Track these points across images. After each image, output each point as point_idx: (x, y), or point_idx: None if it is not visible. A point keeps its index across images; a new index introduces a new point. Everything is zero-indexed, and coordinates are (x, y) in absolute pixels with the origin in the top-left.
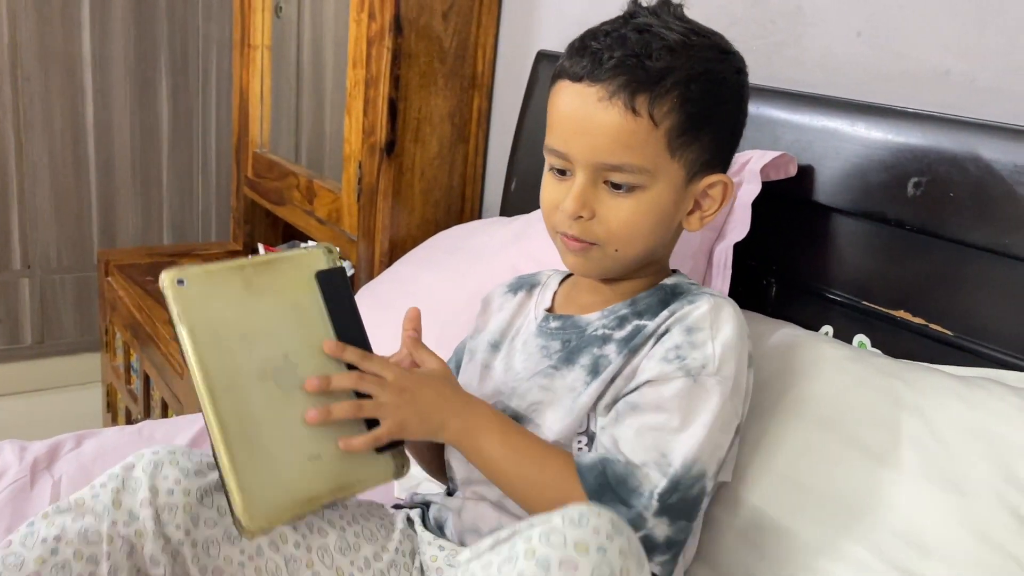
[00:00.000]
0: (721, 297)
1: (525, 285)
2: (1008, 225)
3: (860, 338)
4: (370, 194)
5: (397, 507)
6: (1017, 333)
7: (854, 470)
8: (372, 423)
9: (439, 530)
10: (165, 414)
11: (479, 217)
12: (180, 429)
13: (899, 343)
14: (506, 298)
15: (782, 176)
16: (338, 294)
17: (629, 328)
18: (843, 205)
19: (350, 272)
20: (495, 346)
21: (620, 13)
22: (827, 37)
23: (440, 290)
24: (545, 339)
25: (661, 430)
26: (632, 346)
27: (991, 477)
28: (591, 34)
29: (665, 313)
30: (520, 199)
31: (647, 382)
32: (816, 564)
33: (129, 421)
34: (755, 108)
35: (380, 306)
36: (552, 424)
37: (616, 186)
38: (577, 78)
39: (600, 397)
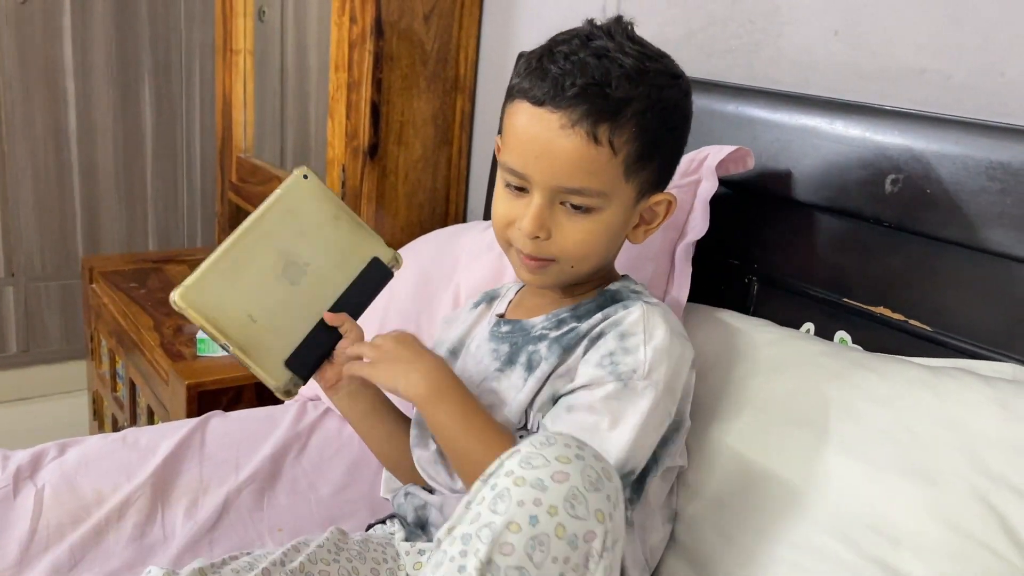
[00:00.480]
0: (655, 303)
1: (487, 298)
2: (983, 220)
3: (841, 334)
4: (354, 198)
5: (377, 522)
6: (993, 327)
7: (826, 463)
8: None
9: (422, 529)
10: (151, 421)
11: (464, 220)
12: (164, 436)
13: (879, 339)
14: (468, 311)
15: (740, 169)
16: (371, 282)
17: (564, 329)
18: (822, 203)
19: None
20: (453, 353)
21: (574, 29)
22: (805, 36)
23: (422, 296)
24: (496, 343)
25: (593, 430)
26: (564, 344)
27: (961, 466)
28: (549, 55)
29: (599, 316)
30: None
31: (583, 386)
32: (788, 555)
33: (115, 428)
34: (734, 107)
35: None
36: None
37: (575, 207)
38: (538, 102)
39: (536, 393)
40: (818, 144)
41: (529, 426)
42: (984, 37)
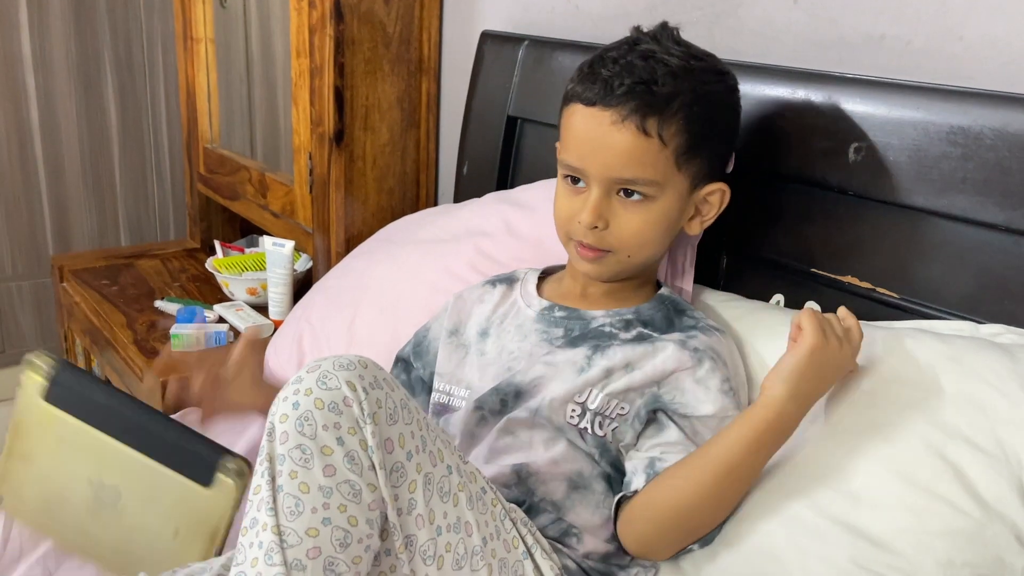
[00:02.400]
0: (717, 326)
1: (504, 280)
2: (945, 186)
3: (811, 304)
4: (322, 185)
5: None
6: (958, 293)
7: None
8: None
9: None
10: None
11: (435, 203)
12: None
13: (848, 307)
14: (485, 290)
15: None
16: (78, 393)
17: (635, 332)
18: (787, 173)
19: (308, 265)
20: (484, 333)
21: (623, 38)
22: (764, 6)
23: (393, 283)
24: (546, 325)
25: None
26: (640, 343)
27: (917, 423)
28: (599, 61)
29: (678, 335)
30: (472, 183)
31: (710, 415)
32: (747, 516)
33: None
34: None
35: (333, 302)
36: (554, 391)
37: (628, 193)
38: (590, 103)
39: (608, 375)
40: (781, 114)
41: (586, 403)
42: (941, 2)
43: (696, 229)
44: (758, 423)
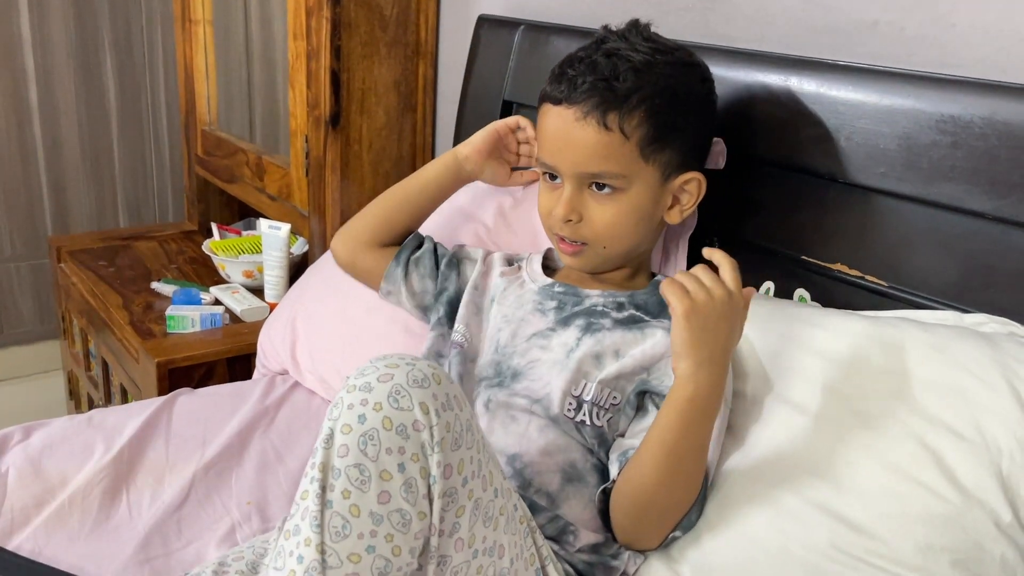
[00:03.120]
0: None
1: (515, 260)
2: (934, 174)
3: (800, 292)
4: (318, 168)
5: None
6: (946, 280)
7: (771, 415)
8: None
9: None
10: (125, 399)
11: None
12: (131, 415)
13: (837, 296)
14: (503, 261)
15: (710, 166)
16: None
17: (627, 313)
18: (778, 160)
19: (304, 248)
20: (492, 300)
21: (593, 36)
22: None
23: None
24: (542, 297)
25: None
26: (632, 330)
27: (899, 410)
28: (568, 61)
29: (667, 321)
30: None
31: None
32: (742, 512)
33: (92, 407)
34: None
35: (328, 284)
36: (549, 378)
37: (600, 187)
38: (557, 101)
39: (598, 360)
40: (772, 101)
41: (581, 395)
42: None
43: (676, 218)
44: (679, 403)
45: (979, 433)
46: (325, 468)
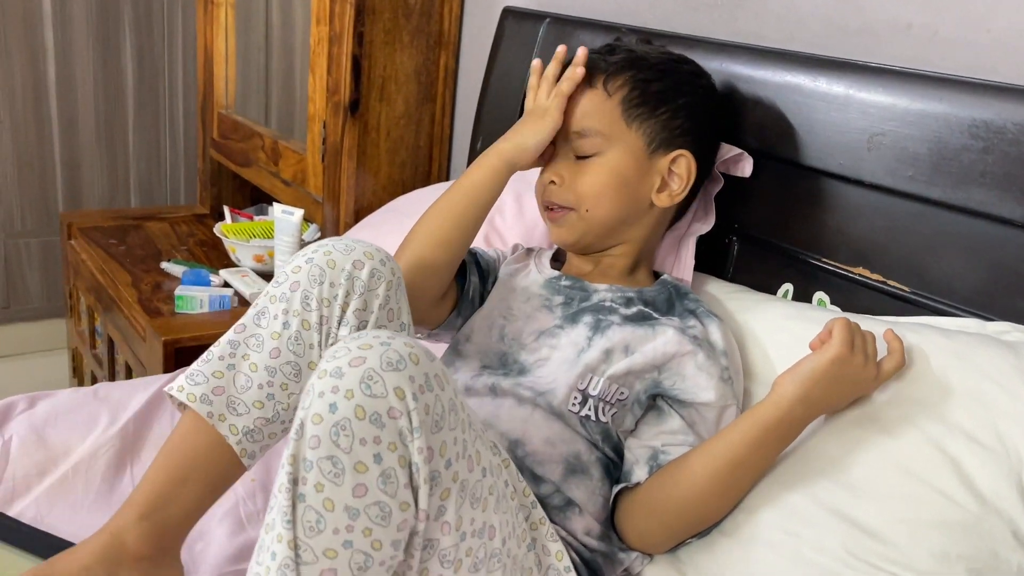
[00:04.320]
0: (718, 315)
1: (528, 252)
2: (963, 179)
3: (819, 295)
4: (334, 154)
5: None
6: (972, 288)
7: None
8: None
9: None
10: (129, 378)
11: (447, 178)
12: (137, 390)
13: (858, 300)
14: (519, 256)
15: (737, 174)
16: None
17: (635, 309)
18: (802, 161)
19: (316, 235)
20: (495, 281)
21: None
22: None
23: None
24: (549, 291)
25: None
26: (640, 324)
27: (918, 416)
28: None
29: (678, 320)
30: None
31: (707, 403)
32: (754, 514)
33: None
34: (717, 64)
35: None
36: (557, 375)
37: (583, 158)
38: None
39: (607, 357)
40: (800, 101)
41: (587, 389)
42: None
43: (665, 201)
44: (766, 420)
45: (999, 441)
46: (296, 460)
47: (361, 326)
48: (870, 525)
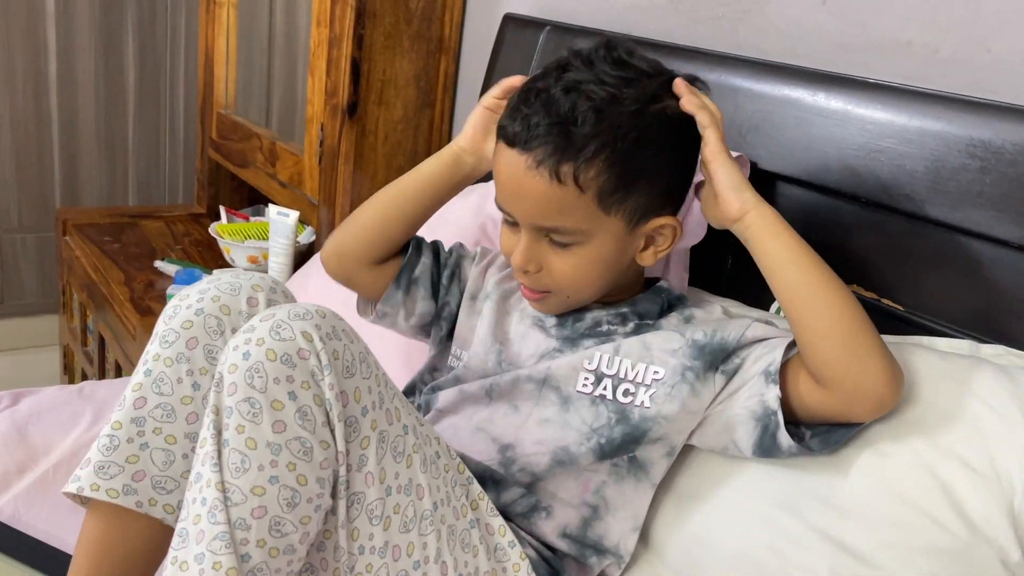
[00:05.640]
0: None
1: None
2: (961, 199)
3: None
4: (331, 157)
5: None
6: (966, 309)
7: None
8: None
9: None
10: (119, 376)
11: None
12: (122, 389)
13: None
14: (498, 257)
15: None
16: None
17: (631, 325)
18: (800, 176)
19: (311, 239)
20: (473, 297)
21: (556, 59)
22: (793, 5)
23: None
24: (542, 335)
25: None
26: (643, 333)
27: (910, 438)
28: (525, 93)
29: (675, 316)
30: None
31: (744, 335)
32: (741, 530)
33: None
34: (717, 76)
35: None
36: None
37: (556, 243)
38: (510, 143)
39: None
40: (799, 116)
41: (599, 368)
42: (972, 11)
43: (650, 260)
44: (774, 222)
45: (992, 467)
46: (218, 410)
47: None
48: (859, 548)
